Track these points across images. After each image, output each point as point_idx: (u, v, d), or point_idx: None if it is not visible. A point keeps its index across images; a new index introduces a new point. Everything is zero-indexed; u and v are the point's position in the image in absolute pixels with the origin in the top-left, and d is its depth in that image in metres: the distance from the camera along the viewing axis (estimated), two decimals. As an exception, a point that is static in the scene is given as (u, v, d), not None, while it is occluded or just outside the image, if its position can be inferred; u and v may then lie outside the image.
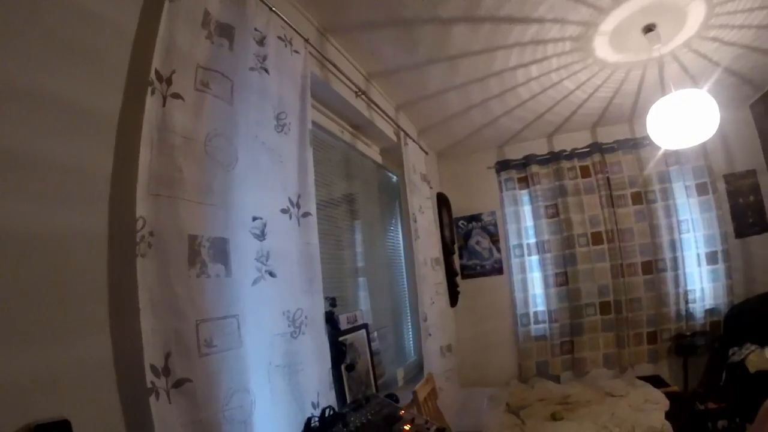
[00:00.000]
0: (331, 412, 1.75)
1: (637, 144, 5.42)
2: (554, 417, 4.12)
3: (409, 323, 4.55)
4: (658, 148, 4.86)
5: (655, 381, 4.76)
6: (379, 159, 4.37)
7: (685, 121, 3.20)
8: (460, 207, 5.96)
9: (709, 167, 5.22)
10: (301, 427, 1.68)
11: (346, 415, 1.83)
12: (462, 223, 5.99)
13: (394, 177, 4.73)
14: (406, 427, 1.89)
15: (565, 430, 3.85)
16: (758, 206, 5.18)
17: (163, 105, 1.54)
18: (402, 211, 4.69)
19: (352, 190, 3.81)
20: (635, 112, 5.19)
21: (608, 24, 3.30)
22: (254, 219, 1.87)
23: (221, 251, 1.67)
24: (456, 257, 5.86)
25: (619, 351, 5.28)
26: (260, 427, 1.71)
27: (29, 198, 1.24)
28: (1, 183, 1.18)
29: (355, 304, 3.46)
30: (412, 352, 4.51)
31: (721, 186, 5.26)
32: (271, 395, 1.82)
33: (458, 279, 5.72)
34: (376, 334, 3.55)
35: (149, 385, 1.36)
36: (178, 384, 1.44)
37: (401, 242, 4.69)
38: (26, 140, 1.25)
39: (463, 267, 5.94)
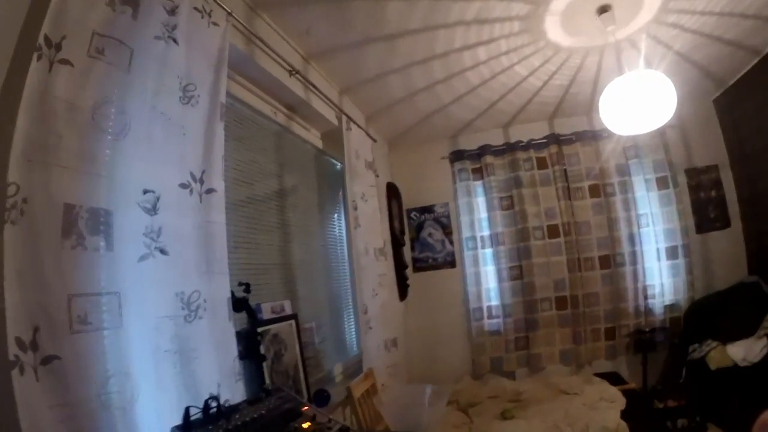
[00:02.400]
0: (216, 404, 1.64)
1: (596, 136, 5.40)
2: (504, 415, 4.07)
3: (351, 317, 4.45)
4: (617, 139, 4.85)
5: (613, 378, 4.75)
6: (319, 144, 4.27)
7: (641, 103, 3.11)
8: (412, 198, 5.89)
9: (670, 161, 5.22)
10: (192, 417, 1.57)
11: (238, 408, 1.72)
12: (414, 215, 5.91)
13: (339, 164, 4.61)
14: (305, 425, 1.79)
15: (513, 428, 3.78)
16: (720, 201, 5.20)
17: (49, 71, 1.46)
18: (345, 199, 4.58)
19: (289, 177, 3.70)
20: (593, 104, 5.06)
21: (559, 2, 3.18)
22: (145, 192, 1.76)
23: (102, 223, 1.56)
24: (408, 249, 5.80)
25: (576, 347, 5.25)
26: (144, 415, 1.61)
27: None
28: None
29: (289, 295, 3.33)
30: (355, 346, 4.40)
31: (683, 180, 5.26)
32: (158, 382, 1.71)
33: (408, 271, 5.65)
34: (314, 325, 3.46)
35: (12, 359, 1.26)
36: (46, 361, 1.34)
37: (344, 232, 4.58)
38: None
39: (415, 260, 5.86)
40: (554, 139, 5.47)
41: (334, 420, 1.89)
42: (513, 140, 5.59)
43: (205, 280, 2.00)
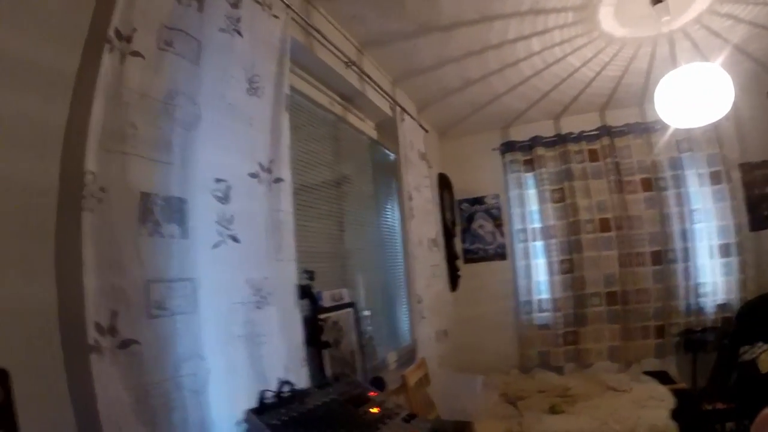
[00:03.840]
0: (290, 388, 1.67)
1: (648, 128, 5.24)
2: (553, 410, 4.03)
3: (404, 306, 4.47)
4: (670, 132, 4.75)
5: (662, 377, 4.62)
6: (374, 134, 4.29)
7: (697, 96, 3.03)
8: (462, 189, 5.86)
9: (724, 156, 5.03)
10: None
11: (308, 393, 1.75)
12: (465, 206, 5.88)
13: (392, 155, 4.63)
14: (373, 410, 1.81)
15: (563, 423, 3.75)
16: (775, 198, 4.99)
17: (122, 62, 1.50)
18: (399, 189, 4.59)
19: (345, 166, 3.73)
20: (646, 95, 4.94)
21: None
22: (218, 181, 1.80)
23: (177, 211, 1.62)
24: (458, 241, 5.77)
25: (625, 344, 5.14)
26: (216, 398, 1.65)
27: None
28: None
29: (345, 283, 3.35)
30: (407, 336, 4.42)
31: (736, 175, 5.06)
32: (229, 366, 1.75)
33: (459, 263, 5.64)
34: (368, 314, 3.48)
35: (92, 343, 1.30)
36: (124, 345, 1.39)
37: (397, 222, 4.59)
38: None
39: (465, 251, 5.84)
40: (606, 130, 5.36)
41: (402, 407, 1.91)
42: (564, 132, 5.50)
43: (274, 267, 2.04)
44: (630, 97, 5.13)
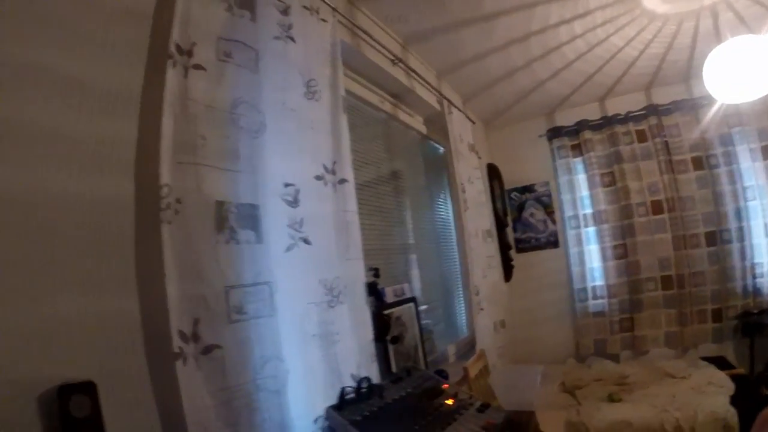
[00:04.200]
0: (367, 384, 1.71)
1: (695, 104, 5.07)
2: (611, 398, 4.00)
3: (461, 298, 4.49)
4: (719, 107, 4.65)
5: (720, 362, 4.48)
6: (423, 129, 4.29)
7: (746, 70, 2.96)
8: (511, 178, 5.80)
9: (775, 128, 4.86)
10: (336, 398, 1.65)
11: (384, 387, 1.79)
12: (515, 195, 5.83)
13: (441, 148, 4.66)
14: (449, 402, 1.84)
15: (622, 411, 3.71)
16: (832, 172, 4.80)
17: (185, 76, 1.55)
18: (450, 182, 4.61)
19: (398, 162, 3.77)
20: (691, 70, 4.82)
21: None
22: (286, 185, 1.84)
23: (251, 217, 1.67)
24: (510, 230, 5.73)
25: (682, 329, 5.00)
26: (294, 397, 1.69)
27: (59, 166, 1.29)
28: (35, 154, 1.24)
29: (405, 279, 3.40)
30: (464, 328, 4.44)
31: (790, 148, 4.88)
32: (306, 365, 1.79)
33: (512, 252, 5.61)
34: (426, 308, 3.51)
35: (176, 350, 1.36)
36: (207, 350, 1.44)
37: (450, 214, 4.61)
38: (54, 115, 1.30)
39: (517, 240, 5.79)
40: (653, 109, 5.22)
41: (474, 397, 1.93)
42: (610, 114, 5.40)
43: (344, 266, 2.08)
44: (675, 73, 5.01)
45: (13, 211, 1.18)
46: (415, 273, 3.63)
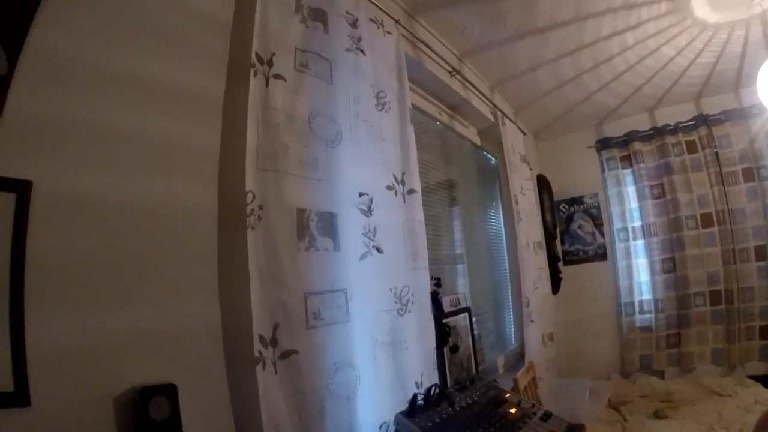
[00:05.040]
0: (437, 391, 1.74)
1: (745, 114, 4.94)
2: (657, 415, 3.96)
3: (510, 310, 4.49)
4: (769, 116, 4.57)
5: (766, 381, 4.37)
6: (477, 140, 4.34)
7: None
8: (560, 190, 5.75)
9: (828, 137, 4.73)
10: (404, 405, 1.67)
11: (452, 394, 1.82)
12: (563, 207, 5.79)
13: (493, 159, 4.68)
14: (512, 410, 1.86)
15: (668, 428, 3.67)
16: None
17: (266, 85, 1.60)
18: (501, 193, 4.63)
19: (452, 173, 3.80)
20: (741, 79, 4.76)
21: None
22: (360, 195, 1.90)
23: (329, 225, 1.71)
24: (558, 242, 5.68)
25: (729, 346, 4.85)
26: (363, 403, 1.73)
27: (146, 171, 1.35)
28: (123, 157, 1.30)
29: (455, 289, 3.41)
30: (513, 339, 4.44)
31: (841, 158, 4.76)
32: (376, 372, 1.83)
33: (560, 265, 5.58)
34: (475, 319, 3.52)
35: (257, 355, 1.40)
36: (285, 355, 1.48)
37: (502, 226, 4.63)
38: (140, 118, 1.36)
39: (565, 252, 5.75)
40: (702, 119, 5.10)
41: (537, 406, 1.95)
42: (660, 124, 5.31)
43: (412, 275, 2.12)
44: (725, 83, 4.92)
45: (100, 215, 1.23)
46: (463, 283, 3.65)
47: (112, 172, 1.26)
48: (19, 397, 1.03)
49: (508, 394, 2.01)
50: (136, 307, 1.26)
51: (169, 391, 1.25)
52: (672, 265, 5.13)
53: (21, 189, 1.09)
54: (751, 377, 4.51)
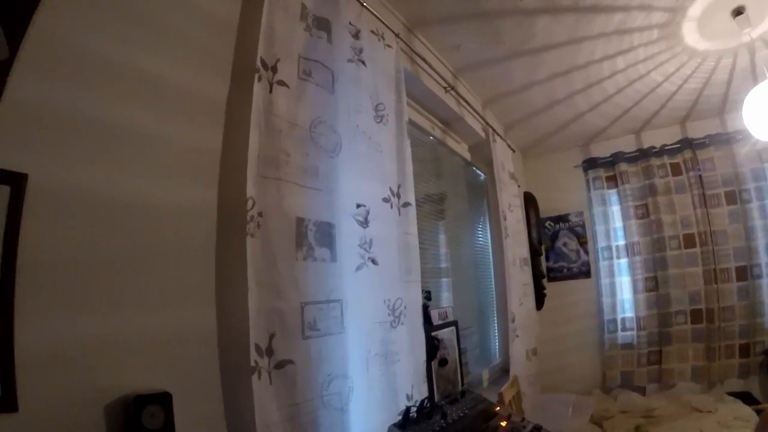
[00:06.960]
0: (429, 404, 1.74)
1: (729, 138, 5.04)
2: (639, 430, 3.98)
3: (495, 324, 4.50)
4: (753, 142, 4.64)
5: (745, 398, 4.44)
6: (467, 156, 4.35)
7: None
8: (546, 207, 5.79)
9: (808, 164, 4.83)
10: (395, 417, 1.67)
11: (442, 408, 1.82)
12: (549, 224, 5.83)
13: (482, 175, 4.70)
14: (503, 424, 1.87)
15: (649, 444, 3.70)
16: None
17: (270, 91, 1.59)
18: (490, 209, 4.65)
19: (442, 187, 3.81)
20: (726, 105, 4.88)
21: (696, 8, 3.14)
22: (358, 206, 1.90)
23: (327, 236, 1.70)
24: (543, 259, 5.72)
25: (709, 364, 4.93)
26: (355, 414, 1.72)
27: (146, 170, 1.33)
28: (124, 155, 1.28)
29: (439, 303, 3.41)
30: (497, 354, 4.45)
31: (821, 185, 4.86)
32: (368, 384, 1.83)
33: (545, 281, 5.61)
34: (466, 332, 3.53)
35: (253, 364, 1.39)
36: (281, 365, 1.47)
37: (489, 241, 4.65)
38: (142, 115, 1.34)
39: (549, 269, 5.78)
40: (687, 143, 5.19)
41: (527, 420, 1.96)
42: (645, 146, 5.40)
43: (405, 287, 2.13)
44: (710, 108, 5.01)
45: (97, 214, 1.21)
46: (448, 296, 3.64)
47: (111, 169, 1.24)
48: (5, 401, 0.98)
49: (498, 408, 2.02)
50: (130, 311, 1.23)
51: (163, 399, 1.22)
52: (654, 284, 5.19)
53: (16, 182, 1.04)
54: (731, 394, 4.56)
